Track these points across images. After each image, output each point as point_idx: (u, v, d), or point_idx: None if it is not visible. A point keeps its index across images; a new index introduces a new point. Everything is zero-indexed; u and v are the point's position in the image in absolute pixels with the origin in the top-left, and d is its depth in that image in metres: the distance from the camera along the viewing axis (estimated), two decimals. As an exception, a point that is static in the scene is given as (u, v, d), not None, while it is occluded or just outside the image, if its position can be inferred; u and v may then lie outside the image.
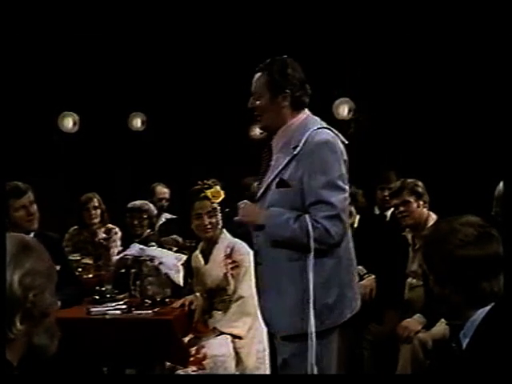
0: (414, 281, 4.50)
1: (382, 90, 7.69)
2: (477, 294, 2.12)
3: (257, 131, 7.63)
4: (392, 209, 5.14)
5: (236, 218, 3.24)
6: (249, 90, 3.26)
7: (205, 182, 4.49)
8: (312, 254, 3.00)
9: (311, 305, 3.02)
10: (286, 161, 3.10)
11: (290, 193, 3.08)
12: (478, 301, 2.12)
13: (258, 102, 3.20)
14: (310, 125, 3.16)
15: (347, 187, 3.10)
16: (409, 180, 4.62)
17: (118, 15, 8.02)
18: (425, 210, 4.54)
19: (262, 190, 3.18)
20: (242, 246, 4.38)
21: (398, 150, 7.52)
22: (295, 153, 3.08)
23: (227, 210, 4.48)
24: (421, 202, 4.53)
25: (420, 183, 4.59)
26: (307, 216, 3.02)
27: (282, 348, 3.14)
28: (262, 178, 3.22)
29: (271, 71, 3.18)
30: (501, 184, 5.52)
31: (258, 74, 3.21)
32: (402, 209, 4.56)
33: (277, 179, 3.12)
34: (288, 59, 3.23)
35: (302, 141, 3.08)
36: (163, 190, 7.23)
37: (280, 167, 3.11)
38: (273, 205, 3.11)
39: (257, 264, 3.25)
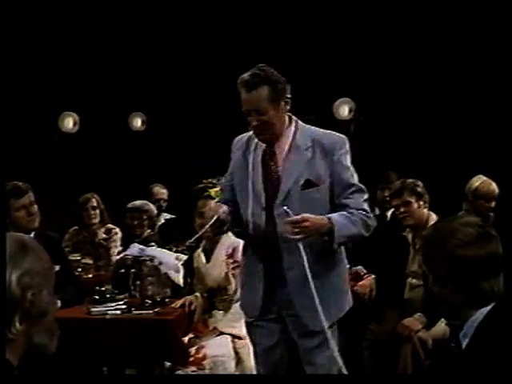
0: (415, 281, 4.50)
1: (383, 90, 7.68)
2: (477, 294, 2.11)
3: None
4: (392, 209, 5.14)
5: (298, 233, 3.02)
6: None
7: (209, 180, 4.49)
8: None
9: (349, 291, 3.40)
10: (303, 163, 3.17)
11: (320, 191, 3.17)
12: (477, 301, 2.12)
13: (264, 117, 3.13)
14: (305, 126, 3.28)
15: None
16: (409, 180, 4.62)
17: (118, 15, 8.01)
18: (425, 210, 4.54)
19: (282, 196, 3.17)
20: (245, 247, 4.37)
21: (398, 150, 7.51)
22: (310, 154, 3.17)
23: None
24: (421, 203, 4.53)
25: (420, 183, 4.59)
26: (353, 210, 3.17)
27: (312, 337, 3.22)
28: (270, 182, 3.22)
29: (271, 81, 3.13)
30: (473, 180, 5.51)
31: (260, 90, 3.09)
32: (402, 209, 4.56)
33: (300, 181, 3.16)
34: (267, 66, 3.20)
35: (311, 142, 3.19)
36: (161, 191, 7.22)
37: (298, 170, 3.17)
38: (306, 205, 3.13)
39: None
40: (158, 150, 8.41)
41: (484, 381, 2.01)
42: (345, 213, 3.15)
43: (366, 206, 3.21)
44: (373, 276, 4.75)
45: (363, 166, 7.59)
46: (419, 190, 4.55)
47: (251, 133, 3.30)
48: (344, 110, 7.96)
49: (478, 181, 5.30)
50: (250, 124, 3.18)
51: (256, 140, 3.28)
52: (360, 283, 4.72)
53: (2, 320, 1.67)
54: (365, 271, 4.82)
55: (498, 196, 5.35)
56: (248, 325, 3.41)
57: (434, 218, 4.53)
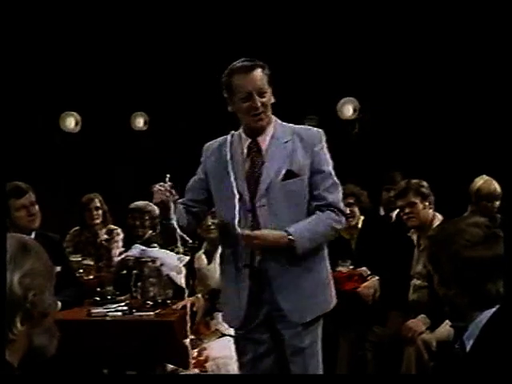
0: (419, 282, 4.48)
1: (387, 90, 7.66)
2: (482, 295, 2.10)
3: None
4: (397, 210, 5.11)
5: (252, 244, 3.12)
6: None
7: None
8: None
9: (331, 284, 3.32)
10: (284, 155, 3.19)
11: (301, 181, 3.18)
12: (482, 302, 2.10)
13: (265, 99, 3.17)
14: (284, 123, 3.30)
15: None
16: (414, 181, 4.59)
17: (120, 15, 8.00)
18: (430, 210, 4.51)
19: (264, 187, 3.17)
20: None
21: (403, 150, 7.48)
22: (290, 147, 3.20)
23: None
24: (426, 203, 4.50)
25: (425, 184, 4.56)
26: (320, 213, 3.18)
27: (303, 337, 3.20)
28: (253, 175, 3.22)
29: (262, 66, 3.20)
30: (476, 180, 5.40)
31: (258, 71, 3.16)
32: (407, 210, 4.52)
33: (281, 172, 3.17)
34: None
35: (290, 135, 3.22)
36: (163, 192, 7.19)
37: (279, 162, 3.19)
38: (287, 196, 3.17)
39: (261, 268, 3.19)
40: (160, 150, 8.39)
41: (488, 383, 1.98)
42: (314, 218, 3.18)
43: (342, 203, 3.26)
44: (376, 277, 4.72)
45: (368, 166, 7.62)
46: (424, 190, 4.52)
47: (221, 139, 3.38)
48: (348, 109, 7.93)
49: (480, 181, 5.26)
50: (248, 109, 3.16)
51: (229, 144, 3.31)
52: (364, 284, 4.69)
53: (3, 321, 1.67)
54: (369, 272, 4.79)
55: (501, 195, 5.27)
56: (236, 338, 3.42)
57: (439, 218, 4.50)
